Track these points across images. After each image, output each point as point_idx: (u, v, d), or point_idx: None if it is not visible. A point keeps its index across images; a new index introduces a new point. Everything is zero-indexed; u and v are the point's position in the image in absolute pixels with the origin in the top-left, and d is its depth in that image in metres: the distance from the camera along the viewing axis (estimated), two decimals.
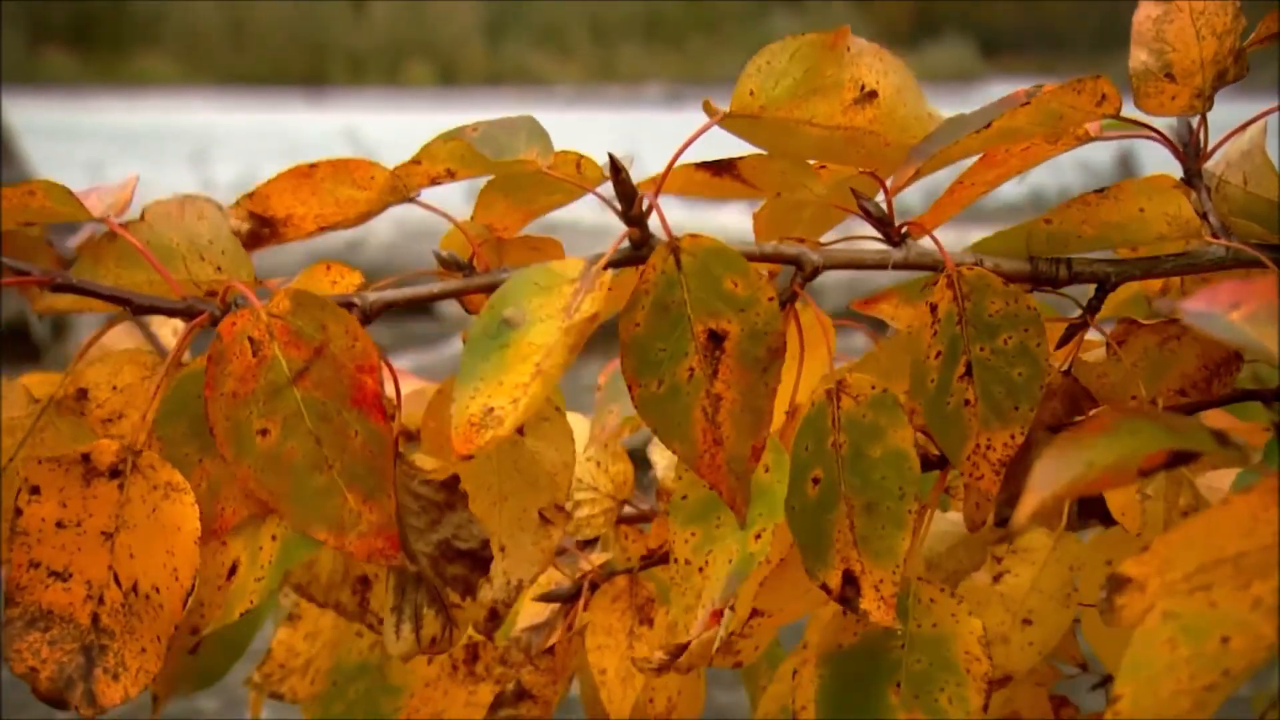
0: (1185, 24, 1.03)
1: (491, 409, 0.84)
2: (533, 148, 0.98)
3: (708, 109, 0.97)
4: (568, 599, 1.18)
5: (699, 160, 0.98)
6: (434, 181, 0.98)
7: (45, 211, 0.95)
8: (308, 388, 0.90)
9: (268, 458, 0.89)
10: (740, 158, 0.99)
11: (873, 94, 0.97)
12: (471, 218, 1.03)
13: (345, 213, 0.98)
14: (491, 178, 1.00)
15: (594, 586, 1.17)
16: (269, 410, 0.90)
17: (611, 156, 0.93)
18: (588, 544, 1.23)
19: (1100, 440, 0.67)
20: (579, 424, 1.20)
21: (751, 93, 0.96)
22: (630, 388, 0.91)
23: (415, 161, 0.96)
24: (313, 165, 0.96)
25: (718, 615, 0.94)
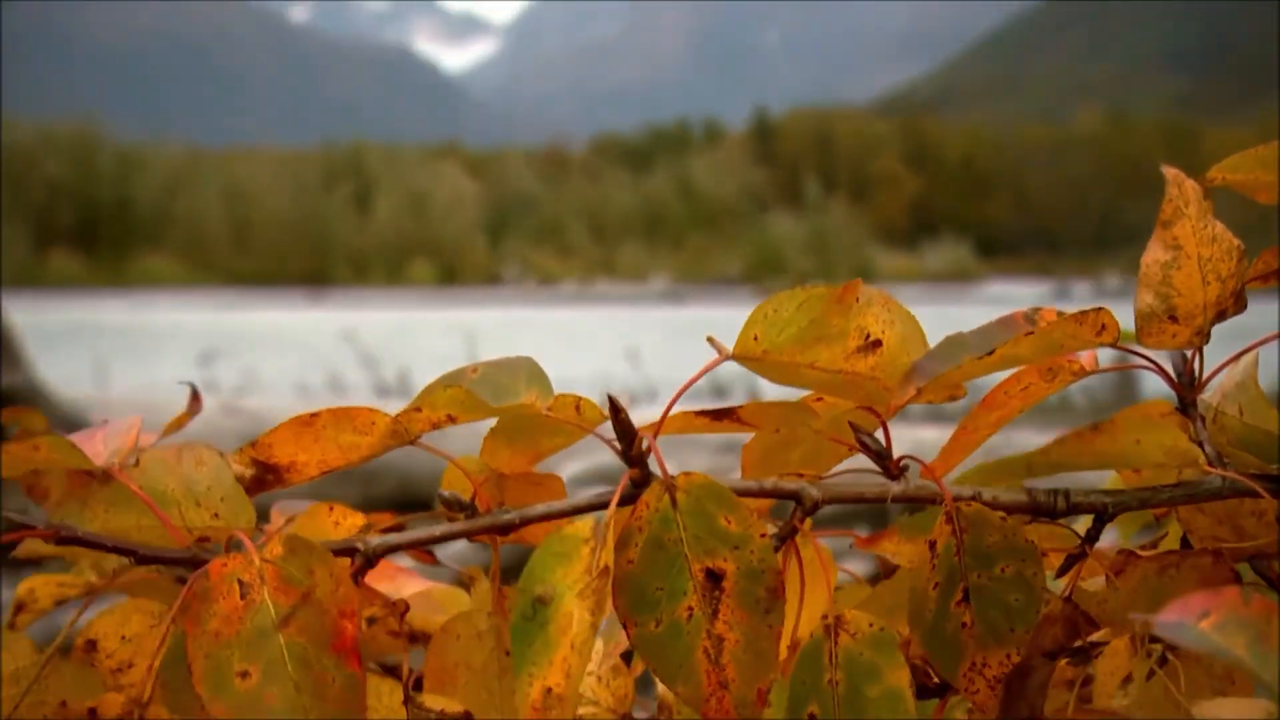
0: (1192, 270, 1.03)
1: (549, 689, 0.85)
2: (532, 390, 0.98)
3: (713, 345, 0.98)
4: None
5: (699, 408, 0.99)
6: (435, 426, 0.99)
7: (50, 463, 0.95)
8: (292, 634, 0.89)
9: (247, 700, 0.88)
10: (740, 406, 0.99)
11: (877, 343, 0.98)
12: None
13: (348, 457, 0.99)
14: (495, 425, 1.01)
15: None
16: (252, 654, 0.89)
17: (611, 398, 0.94)
18: None
19: None
20: None
21: (755, 338, 0.97)
22: (625, 626, 0.91)
23: (416, 408, 0.97)
24: (314, 414, 0.97)
25: None
